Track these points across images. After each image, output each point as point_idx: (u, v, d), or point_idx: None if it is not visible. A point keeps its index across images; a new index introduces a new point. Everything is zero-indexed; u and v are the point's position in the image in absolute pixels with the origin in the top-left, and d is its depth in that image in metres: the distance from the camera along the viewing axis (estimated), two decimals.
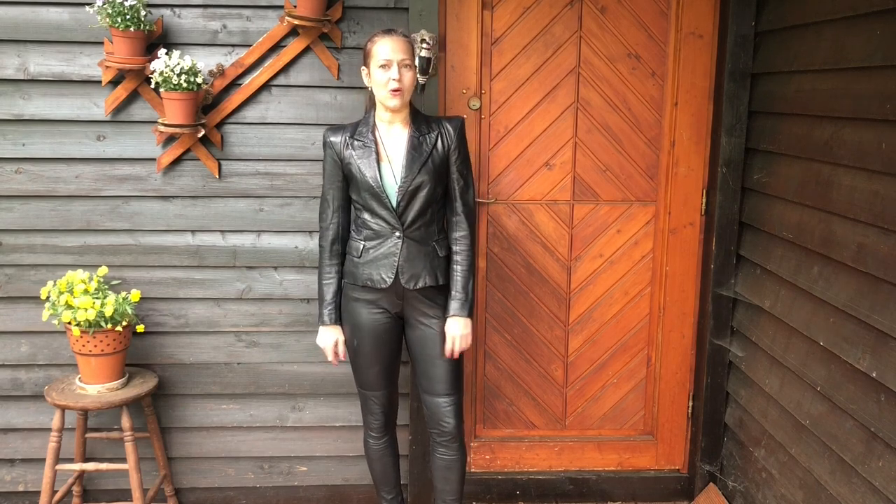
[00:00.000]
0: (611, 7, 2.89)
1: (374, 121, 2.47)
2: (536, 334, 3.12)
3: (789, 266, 2.59)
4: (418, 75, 2.70)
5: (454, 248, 2.54)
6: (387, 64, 2.35)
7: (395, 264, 2.44)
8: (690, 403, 3.17)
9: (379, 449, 2.72)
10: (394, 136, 2.46)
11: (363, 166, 2.42)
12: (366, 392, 2.63)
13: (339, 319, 2.56)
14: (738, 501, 2.94)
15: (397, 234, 2.45)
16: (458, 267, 2.53)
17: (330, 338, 2.56)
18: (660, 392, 3.17)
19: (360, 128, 2.47)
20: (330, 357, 2.58)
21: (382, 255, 2.46)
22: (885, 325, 2.08)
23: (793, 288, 2.57)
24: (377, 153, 2.43)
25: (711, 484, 3.11)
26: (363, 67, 2.44)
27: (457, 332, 2.49)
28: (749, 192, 2.88)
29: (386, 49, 2.35)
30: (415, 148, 2.43)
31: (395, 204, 2.42)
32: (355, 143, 2.44)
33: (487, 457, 3.20)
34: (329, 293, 2.54)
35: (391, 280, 2.45)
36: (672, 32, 2.91)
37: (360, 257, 2.48)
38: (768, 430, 2.70)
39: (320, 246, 2.55)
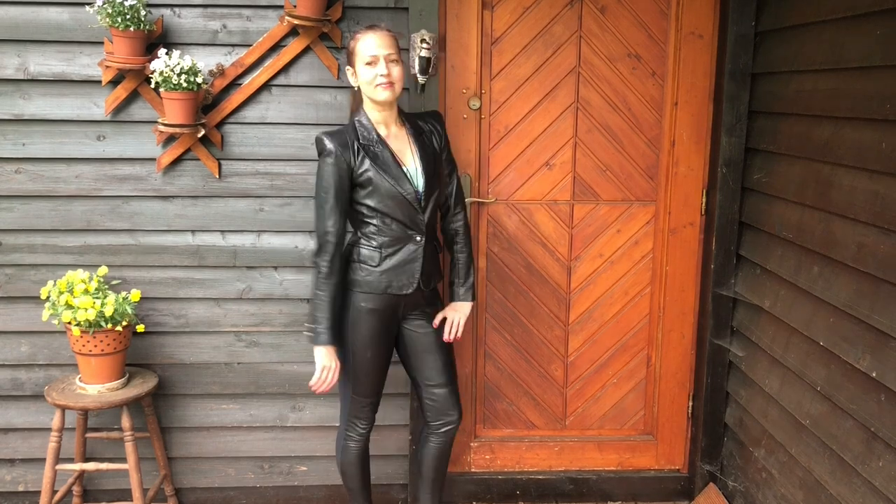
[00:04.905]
0: (611, 7, 2.89)
1: (371, 124, 2.42)
2: (536, 334, 3.12)
3: (789, 266, 2.59)
4: (418, 75, 2.71)
5: (454, 237, 2.59)
6: (373, 61, 2.32)
7: (419, 268, 2.43)
8: (690, 403, 3.17)
9: (364, 450, 2.66)
10: (395, 137, 2.44)
11: (388, 175, 2.34)
12: (362, 399, 2.58)
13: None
14: (738, 501, 2.94)
15: (418, 237, 2.42)
16: (461, 255, 2.59)
17: (331, 359, 2.42)
18: (660, 392, 3.17)
19: (361, 132, 2.38)
20: (323, 377, 2.41)
21: (405, 261, 2.42)
22: (885, 325, 2.08)
23: (793, 288, 2.57)
24: (395, 159, 2.39)
25: (711, 484, 3.11)
26: (348, 67, 2.41)
27: (464, 314, 2.57)
28: (749, 192, 2.88)
29: (371, 45, 2.32)
30: (424, 150, 2.42)
31: (422, 207, 2.42)
32: (368, 150, 2.36)
33: (487, 457, 3.20)
34: (331, 311, 2.37)
35: (416, 285, 2.44)
36: (672, 32, 2.91)
37: (377, 265, 2.41)
38: (768, 430, 2.69)
39: (318, 262, 2.35)
